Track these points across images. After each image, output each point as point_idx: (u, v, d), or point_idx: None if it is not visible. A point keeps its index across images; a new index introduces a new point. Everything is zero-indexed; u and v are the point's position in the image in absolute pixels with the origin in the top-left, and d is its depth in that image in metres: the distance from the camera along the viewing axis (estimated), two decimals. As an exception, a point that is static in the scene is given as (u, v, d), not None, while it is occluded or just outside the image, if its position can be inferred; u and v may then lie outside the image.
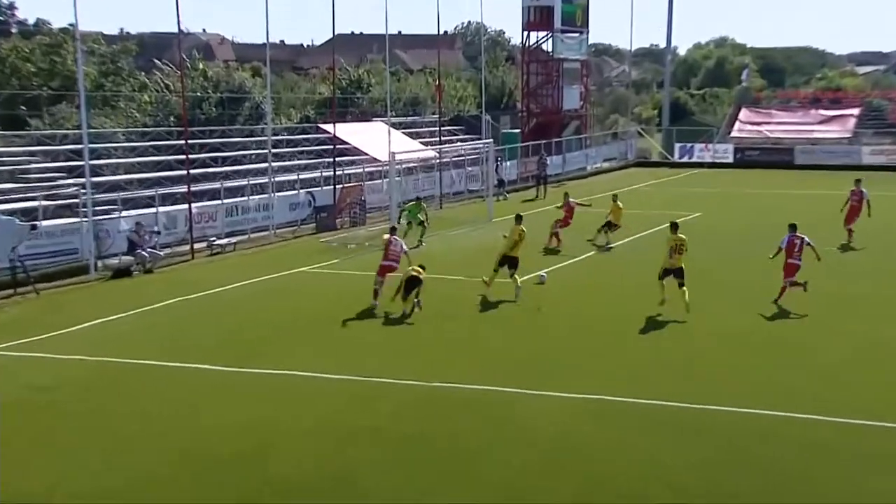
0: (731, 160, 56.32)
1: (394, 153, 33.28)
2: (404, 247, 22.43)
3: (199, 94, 45.27)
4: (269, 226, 33.14)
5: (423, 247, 29.64)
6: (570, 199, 30.40)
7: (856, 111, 58.34)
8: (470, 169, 43.82)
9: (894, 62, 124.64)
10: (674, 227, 21.25)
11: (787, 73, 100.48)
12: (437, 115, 46.70)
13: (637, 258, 26.83)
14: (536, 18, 54.20)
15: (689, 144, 58.20)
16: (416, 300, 21.18)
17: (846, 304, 21.79)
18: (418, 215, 31.50)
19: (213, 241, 30.16)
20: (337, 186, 35.61)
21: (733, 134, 59.18)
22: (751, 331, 19.48)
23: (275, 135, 40.47)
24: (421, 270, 21.40)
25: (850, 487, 12.12)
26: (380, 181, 38.71)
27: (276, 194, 34.18)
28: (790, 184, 46.20)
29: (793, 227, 21.74)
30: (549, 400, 15.40)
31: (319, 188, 36.26)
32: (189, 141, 33.33)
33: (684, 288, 20.41)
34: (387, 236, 22.54)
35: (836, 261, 26.15)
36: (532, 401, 15.37)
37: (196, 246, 29.26)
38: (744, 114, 60.59)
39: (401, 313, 20.85)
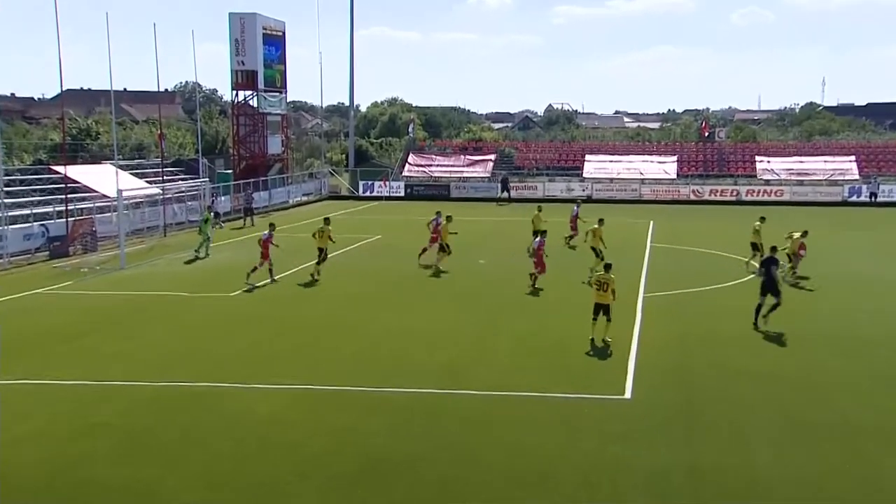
0: (402, 194, 58.02)
1: (121, 190, 31.39)
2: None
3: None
4: (2, 254, 29.96)
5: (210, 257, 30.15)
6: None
7: (492, 157, 61.94)
8: (190, 203, 41.97)
9: (518, 121, 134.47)
10: (607, 267, 18.49)
11: (442, 127, 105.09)
12: (160, 159, 44.54)
13: (346, 271, 26.89)
14: (243, 80, 53.19)
15: (370, 181, 59.28)
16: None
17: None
18: (207, 230, 31.65)
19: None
20: (69, 219, 32.89)
21: (405, 173, 60.98)
22: (418, 325, 20.13)
23: (7, 175, 36.72)
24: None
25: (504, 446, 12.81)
26: (110, 214, 36.17)
27: (10, 227, 31.09)
28: (448, 212, 48.15)
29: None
30: (260, 391, 15.10)
31: (53, 220, 33.33)
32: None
33: (608, 323, 17.84)
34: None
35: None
36: (245, 393, 14.99)
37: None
38: (412, 158, 62.51)
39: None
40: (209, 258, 30.91)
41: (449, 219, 28.26)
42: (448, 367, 16.36)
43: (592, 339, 17.87)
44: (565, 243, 31.31)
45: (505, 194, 54.82)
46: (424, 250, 28.45)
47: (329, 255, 27.96)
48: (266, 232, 26.34)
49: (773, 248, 20.45)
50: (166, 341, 18.72)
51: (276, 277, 25.35)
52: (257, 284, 24.84)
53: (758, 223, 27.13)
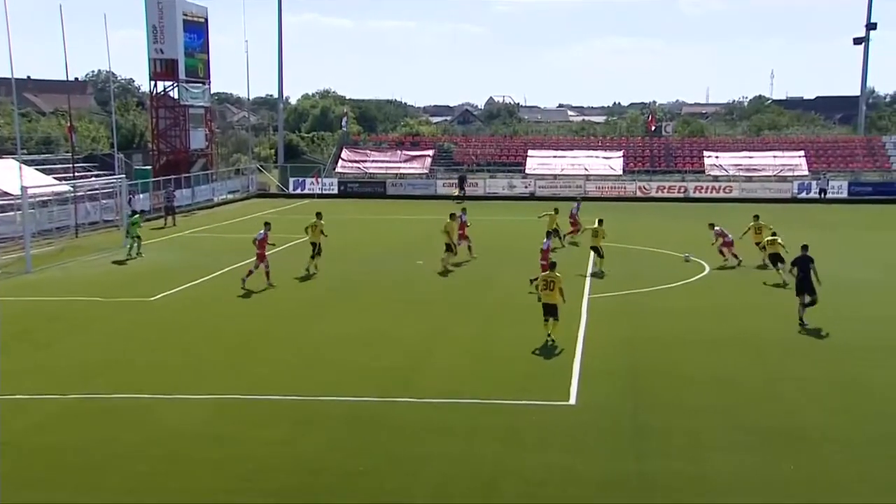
0: (336, 191, 57.74)
1: (26, 187, 30.53)
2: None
3: None
4: None
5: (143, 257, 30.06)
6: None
7: (430, 152, 62.00)
8: (105, 201, 41.08)
9: (458, 114, 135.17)
10: (552, 266, 19.58)
11: (378, 121, 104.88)
12: (71, 154, 43.54)
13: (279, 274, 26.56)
14: (162, 69, 52.18)
15: (301, 178, 58.86)
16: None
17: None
18: (135, 232, 31.20)
19: None
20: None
21: (338, 170, 60.63)
22: (357, 331, 20.04)
23: None
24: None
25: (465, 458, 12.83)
26: (13, 213, 35.21)
27: None
28: (384, 210, 48.31)
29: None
30: (185, 403, 14.88)
31: (-57, 222, 32.39)
32: None
33: (555, 322, 18.41)
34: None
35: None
36: (170, 404, 14.75)
37: None
38: (345, 153, 62.17)
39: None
40: (135, 259, 30.32)
41: (452, 216, 28.79)
42: (390, 375, 16.34)
43: (546, 342, 18.14)
44: (562, 242, 32.01)
45: (461, 192, 55.04)
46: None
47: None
48: (261, 231, 25.52)
49: (805, 247, 20.86)
50: (80, 350, 18.30)
51: (272, 282, 24.90)
52: (254, 290, 24.32)
53: (754, 222, 28.35)
